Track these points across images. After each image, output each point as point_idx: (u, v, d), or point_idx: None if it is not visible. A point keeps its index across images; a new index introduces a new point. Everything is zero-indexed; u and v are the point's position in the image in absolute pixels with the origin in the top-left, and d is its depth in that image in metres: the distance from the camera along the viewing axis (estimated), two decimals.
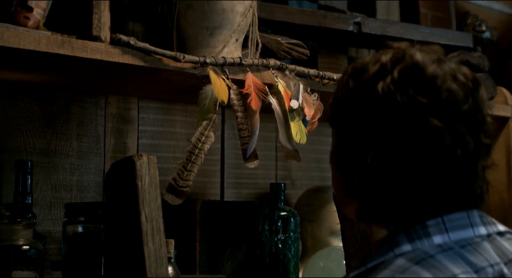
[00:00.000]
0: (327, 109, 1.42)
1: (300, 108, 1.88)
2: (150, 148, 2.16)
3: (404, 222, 1.29)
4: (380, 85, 1.27)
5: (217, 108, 1.73)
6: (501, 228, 1.34)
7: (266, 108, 1.85)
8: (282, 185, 2.18)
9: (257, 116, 1.81)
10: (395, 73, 1.27)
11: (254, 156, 1.82)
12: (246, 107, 1.80)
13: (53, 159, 1.96)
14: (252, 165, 1.82)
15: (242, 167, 1.97)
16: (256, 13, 1.93)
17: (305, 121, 1.90)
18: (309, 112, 1.89)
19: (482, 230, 1.29)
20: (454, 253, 1.24)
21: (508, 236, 1.34)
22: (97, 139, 2.05)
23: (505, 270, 1.25)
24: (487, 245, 1.28)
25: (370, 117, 1.28)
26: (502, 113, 2.66)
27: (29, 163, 1.78)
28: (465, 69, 1.31)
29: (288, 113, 1.86)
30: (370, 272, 1.24)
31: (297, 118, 1.87)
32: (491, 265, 1.24)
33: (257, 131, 1.80)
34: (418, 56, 1.29)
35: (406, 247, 1.26)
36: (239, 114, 1.78)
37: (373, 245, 1.38)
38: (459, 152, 1.24)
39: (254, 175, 2.39)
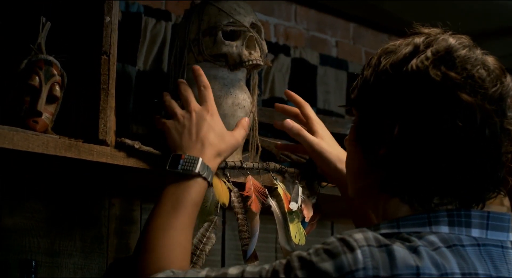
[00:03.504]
0: (351, 95, 1.46)
1: (300, 211, 1.89)
2: None
3: (426, 198, 1.31)
4: (413, 62, 1.32)
5: (218, 210, 1.75)
6: None
7: (266, 210, 1.86)
8: None
9: (257, 218, 1.82)
10: (429, 53, 1.32)
11: (254, 257, 1.82)
12: (246, 209, 1.81)
13: (57, 259, 1.97)
14: None
15: None
16: (256, 118, 1.97)
17: (304, 224, 1.91)
18: (308, 214, 1.90)
19: (510, 237, 1.33)
20: (485, 252, 1.28)
21: None
22: (100, 240, 2.06)
23: None
24: (510, 253, 1.32)
25: (401, 91, 1.32)
26: None
27: (33, 263, 1.77)
28: (493, 58, 1.37)
29: (288, 216, 1.87)
30: (402, 238, 1.26)
31: (296, 220, 1.88)
32: None
33: (257, 233, 1.81)
34: (451, 40, 1.35)
35: (444, 229, 1.28)
36: (240, 216, 1.79)
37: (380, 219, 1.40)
38: (487, 132, 1.28)
39: None
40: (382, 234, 1.27)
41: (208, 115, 1.68)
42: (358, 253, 1.19)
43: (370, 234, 1.23)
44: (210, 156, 1.63)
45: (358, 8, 2.93)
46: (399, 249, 1.20)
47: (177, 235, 1.51)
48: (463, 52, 1.32)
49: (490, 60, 1.35)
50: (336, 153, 1.87)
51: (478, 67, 1.31)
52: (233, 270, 1.31)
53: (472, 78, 1.29)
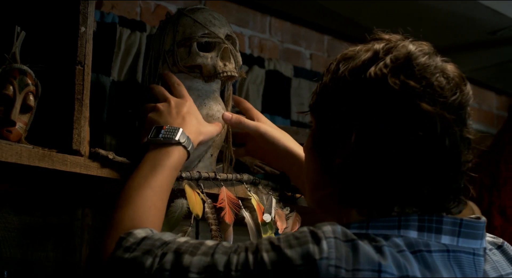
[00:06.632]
0: (312, 98, 1.46)
1: (273, 222, 1.89)
2: None
3: (385, 208, 1.30)
4: (372, 69, 1.30)
5: (192, 222, 1.75)
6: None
7: (240, 222, 1.86)
8: None
9: (231, 229, 1.82)
10: (388, 60, 1.31)
11: None
12: (220, 221, 1.80)
13: (30, 269, 1.95)
14: None
15: None
16: (230, 130, 1.97)
17: (277, 235, 1.91)
18: (281, 226, 1.90)
19: (484, 243, 1.33)
20: (454, 259, 1.28)
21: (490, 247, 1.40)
22: (73, 250, 2.05)
23: None
24: (482, 260, 1.32)
25: (358, 99, 1.30)
26: None
27: (5, 273, 1.77)
28: (452, 66, 1.35)
29: (261, 227, 1.87)
30: (369, 238, 1.26)
31: (269, 231, 1.88)
32: None
33: None
34: (411, 47, 1.33)
35: (413, 234, 1.27)
36: (213, 227, 1.78)
37: None
38: (447, 142, 1.27)
39: None
40: None
41: (187, 103, 1.75)
42: (324, 243, 1.20)
43: (339, 228, 1.24)
44: (191, 129, 1.69)
45: (332, 21, 2.95)
46: (364, 246, 1.21)
47: (153, 196, 1.53)
48: (422, 60, 1.31)
49: (450, 68, 1.34)
50: (282, 133, 1.90)
51: (438, 75, 1.30)
52: (210, 242, 1.32)
53: (431, 87, 1.28)
